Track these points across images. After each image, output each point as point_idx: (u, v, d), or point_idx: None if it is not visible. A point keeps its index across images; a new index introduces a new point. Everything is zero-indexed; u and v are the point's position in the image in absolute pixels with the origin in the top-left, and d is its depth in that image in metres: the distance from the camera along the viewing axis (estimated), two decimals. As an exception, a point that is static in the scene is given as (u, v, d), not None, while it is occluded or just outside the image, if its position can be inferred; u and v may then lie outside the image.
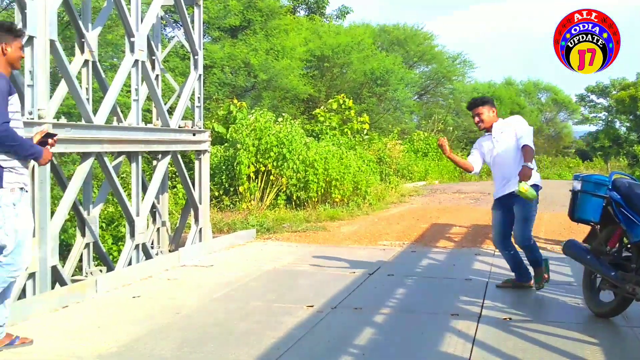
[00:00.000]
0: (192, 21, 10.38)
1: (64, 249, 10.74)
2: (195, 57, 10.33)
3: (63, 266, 7.87)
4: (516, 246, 7.14)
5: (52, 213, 7.23)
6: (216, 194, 15.02)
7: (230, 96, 22.72)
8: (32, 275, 6.76)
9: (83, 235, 8.49)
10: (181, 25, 10.50)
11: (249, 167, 14.90)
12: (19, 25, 6.75)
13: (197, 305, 6.39)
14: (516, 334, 5.55)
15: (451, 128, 35.88)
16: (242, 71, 24.42)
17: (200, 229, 10.14)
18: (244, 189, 14.87)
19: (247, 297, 6.73)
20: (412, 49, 37.71)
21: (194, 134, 9.97)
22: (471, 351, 5.06)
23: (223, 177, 15.27)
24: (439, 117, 35.19)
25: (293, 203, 15.29)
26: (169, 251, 9.82)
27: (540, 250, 7.09)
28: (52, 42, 7.05)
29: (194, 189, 10.16)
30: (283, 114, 17.96)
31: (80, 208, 8.41)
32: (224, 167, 15.40)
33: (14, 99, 4.87)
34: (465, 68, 41.25)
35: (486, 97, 7.22)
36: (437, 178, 28.03)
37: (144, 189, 9.09)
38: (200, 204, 10.19)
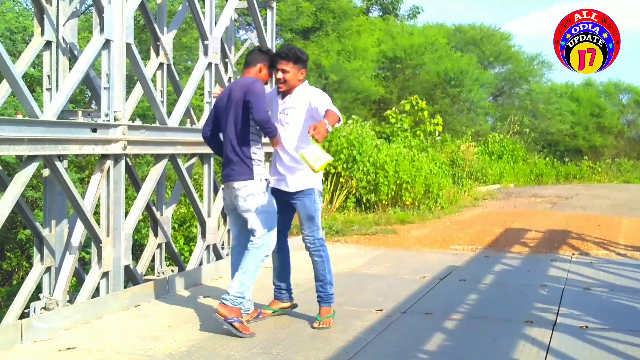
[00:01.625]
0: (265, 23, 10.45)
1: (137, 249, 10.98)
2: (268, 59, 10.37)
3: (136, 266, 8.02)
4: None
5: (126, 213, 7.37)
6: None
7: (302, 98, 22.82)
8: (105, 275, 6.92)
9: (156, 235, 8.64)
10: (254, 28, 10.57)
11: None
12: (98, 29, 6.94)
13: (265, 307, 6.39)
14: (593, 342, 5.36)
15: (528, 130, 35.13)
16: (313, 73, 24.49)
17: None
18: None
19: (316, 300, 6.70)
20: (488, 49, 37.13)
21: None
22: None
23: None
24: (515, 118, 34.50)
25: (363, 206, 15.23)
26: (240, 252, 9.89)
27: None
28: (128, 45, 7.19)
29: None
30: (353, 116, 17.92)
31: (154, 209, 8.55)
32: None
33: None
34: (543, 69, 40.35)
35: (304, 53, 5.80)
36: (512, 181, 27.48)
37: (216, 190, 9.18)
38: (271, 205, 10.23)
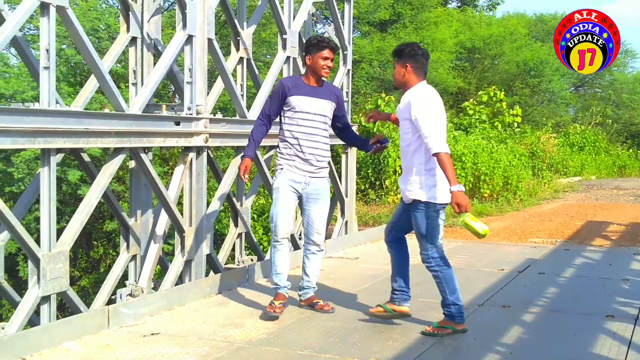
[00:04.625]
0: (342, 17, 10.51)
1: (218, 239, 11.25)
2: (345, 52, 10.46)
3: (217, 255, 8.23)
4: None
5: (208, 204, 7.58)
6: (362, 187, 15.14)
7: (378, 90, 22.80)
8: (188, 263, 7.15)
9: (236, 225, 8.84)
10: (331, 21, 10.65)
11: (395, 160, 14.90)
12: (180, 25, 7.13)
13: (342, 296, 6.48)
14: (678, 339, 5.23)
15: (610, 121, 34.10)
16: (390, 65, 24.38)
17: (346, 221, 10.27)
18: (390, 182, 14.89)
19: (391, 291, 6.74)
20: (570, 38, 36.14)
21: (342, 128, 10.10)
22: (627, 354, 4.81)
23: (369, 171, 15.37)
24: (597, 109, 33.53)
25: (440, 197, 15.11)
26: (317, 243, 10.01)
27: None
28: (209, 40, 7.38)
29: (340, 182, 10.30)
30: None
31: (234, 199, 8.75)
32: (370, 161, 15.50)
33: (291, 99, 5.65)
34: (627, 58, 39.03)
35: (411, 48, 5.28)
36: (594, 173, 26.76)
37: (294, 181, 9.32)
38: (347, 197, 10.32)
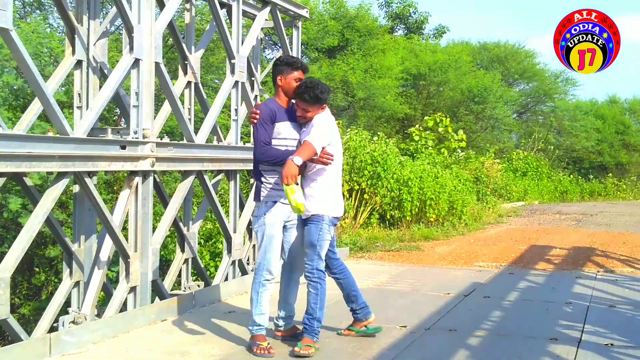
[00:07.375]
0: (291, 42, 10.57)
1: (164, 264, 11.08)
2: (293, 77, 10.47)
3: (163, 281, 8.11)
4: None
5: (154, 229, 7.48)
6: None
7: (327, 115, 22.91)
8: (133, 289, 7.02)
9: (182, 250, 8.74)
10: (280, 47, 10.69)
11: (342, 185, 14.98)
12: (127, 48, 7.07)
13: (291, 322, 6.44)
14: (618, 361, 5.35)
15: (552, 147, 34.96)
16: (339, 90, 24.60)
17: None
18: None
19: (340, 316, 6.73)
20: (513, 66, 37.04)
21: (290, 153, 10.11)
22: (570, 378, 4.91)
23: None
24: (539, 135, 34.37)
25: (387, 222, 15.25)
26: (265, 268, 9.96)
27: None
28: (157, 64, 7.33)
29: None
30: (378, 133, 17.98)
31: (181, 224, 8.66)
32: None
33: (279, 125, 5.50)
34: (567, 86, 40.17)
35: (324, 93, 5.50)
36: (536, 198, 27.34)
37: (241, 206, 9.28)
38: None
